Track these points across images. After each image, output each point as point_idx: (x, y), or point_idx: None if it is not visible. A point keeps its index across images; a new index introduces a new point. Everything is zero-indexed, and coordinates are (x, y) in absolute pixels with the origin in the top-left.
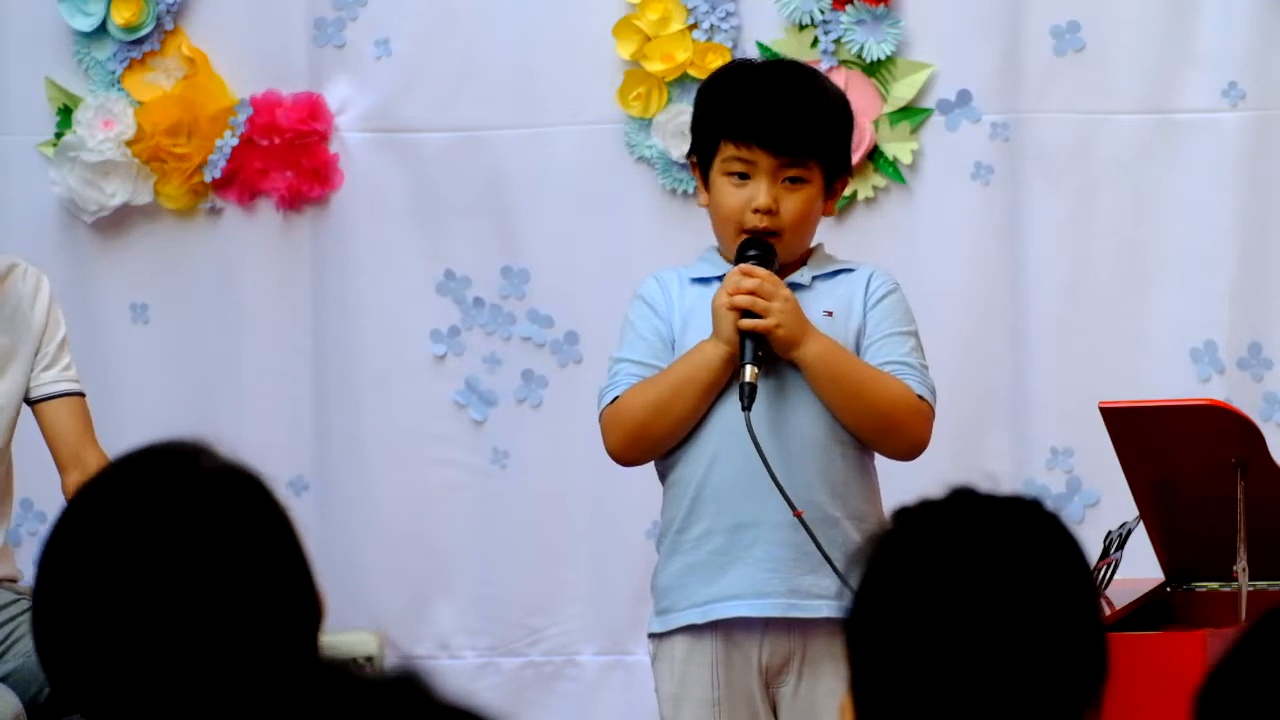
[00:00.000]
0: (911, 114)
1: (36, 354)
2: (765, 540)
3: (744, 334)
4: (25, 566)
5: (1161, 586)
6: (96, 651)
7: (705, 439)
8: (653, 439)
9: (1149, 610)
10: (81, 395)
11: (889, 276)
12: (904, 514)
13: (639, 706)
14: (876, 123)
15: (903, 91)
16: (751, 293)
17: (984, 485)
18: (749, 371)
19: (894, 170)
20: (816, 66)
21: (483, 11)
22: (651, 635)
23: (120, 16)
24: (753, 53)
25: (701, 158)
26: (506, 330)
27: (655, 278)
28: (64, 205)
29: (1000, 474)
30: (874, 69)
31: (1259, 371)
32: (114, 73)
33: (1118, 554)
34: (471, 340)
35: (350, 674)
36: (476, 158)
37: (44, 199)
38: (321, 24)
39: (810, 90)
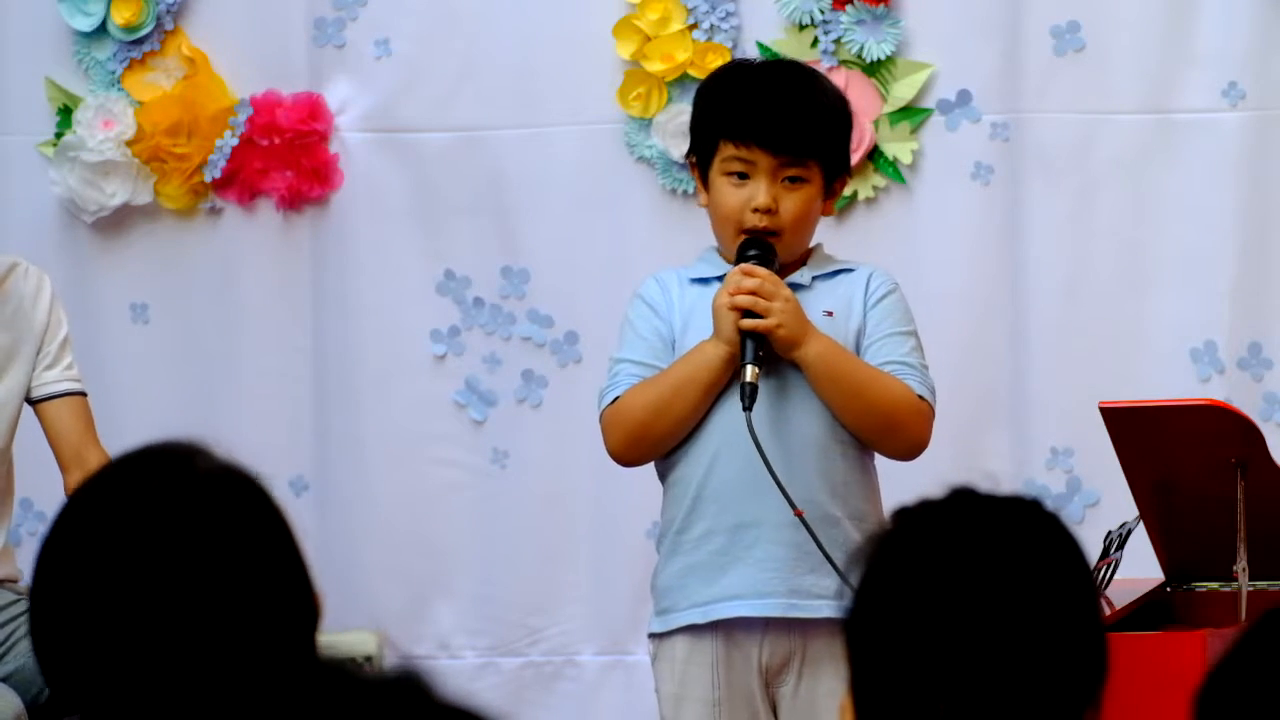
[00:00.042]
0: (911, 114)
1: (38, 354)
2: (766, 540)
3: (745, 334)
4: (26, 567)
5: (1161, 586)
6: (93, 652)
7: (706, 439)
8: (653, 439)
9: (1149, 610)
10: (83, 395)
11: (889, 276)
12: (904, 514)
13: (639, 706)
14: (876, 123)
15: (903, 91)
16: (752, 292)
17: (984, 485)
18: (750, 371)
19: (894, 170)
20: (816, 66)
21: (483, 11)
22: (652, 635)
23: (120, 16)
24: (753, 53)
25: (701, 158)
26: (506, 330)
27: (655, 278)
28: (64, 205)
29: (1000, 474)
30: (874, 69)
31: (1259, 371)
32: (114, 73)
33: (1118, 554)
34: (471, 340)
35: (349, 674)
36: (476, 158)
37: (44, 199)
38: (321, 24)
39: (810, 90)
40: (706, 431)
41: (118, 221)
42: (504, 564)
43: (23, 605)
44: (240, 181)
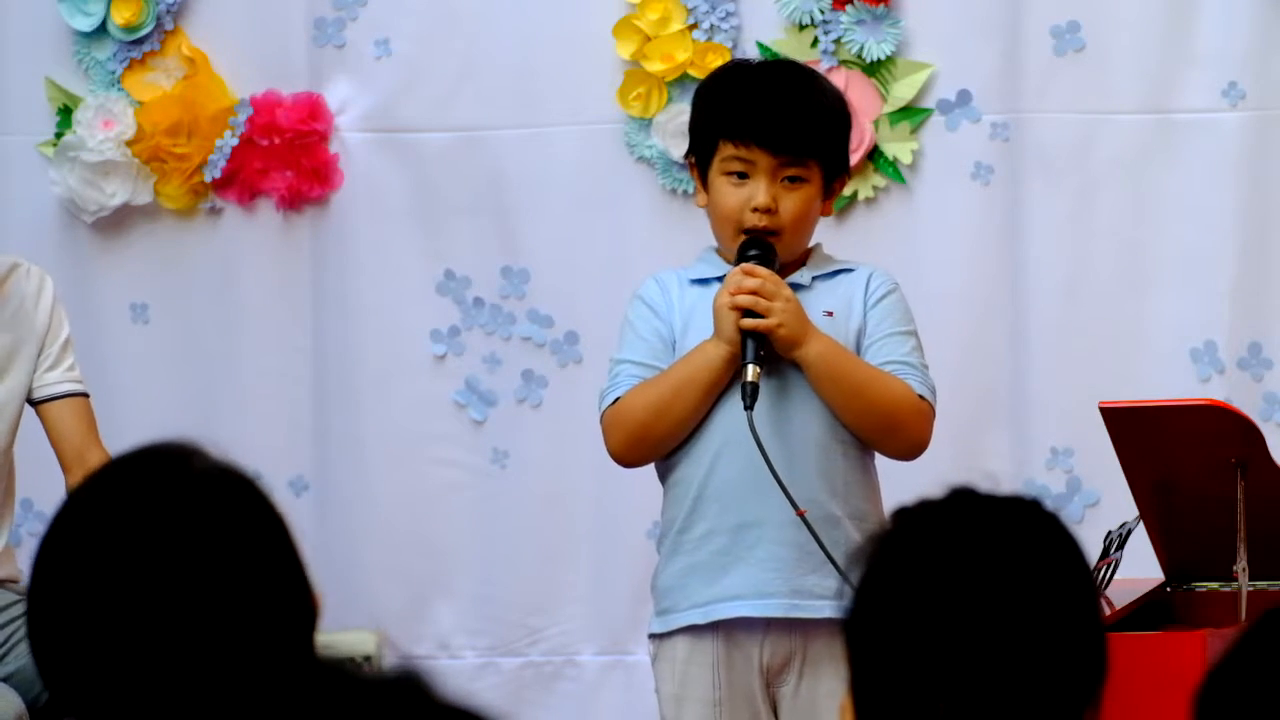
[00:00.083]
0: (911, 114)
1: (40, 354)
2: (768, 540)
3: (746, 334)
4: (27, 567)
5: (1161, 586)
6: (89, 653)
7: (707, 439)
8: (654, 440)
9: (1149, 610)
10: (85, 396)
11: (888, 276)
12: (903, 514)
13: (639, 706)
14: (876, 123)
15: (903, 91)
16: (753, 292)
17: (984, 485)
18: (751, 371)
19: (894, 170)
20: (816, 66)
21: (483, 11)
22: (652, 636)
23: (120, 16)
24: (753, 53)
25: (700, 158)
26: (506, 330)
27: (655, 279)
28: (64, 205)
29: (1000, 474)
30: (874, 69)
31: (1259, 371)
32: (114, 73)
33: (1118, 554)
34: (471, 340)
35: (349, 673)
36: (476, 158)
37: (44, 199)
38: (321, 24)
39: (809, 90)
40: (708, 432)
41: (118, 221)
42: (504, 564)
43: (24, 606)
44: (240, 181)
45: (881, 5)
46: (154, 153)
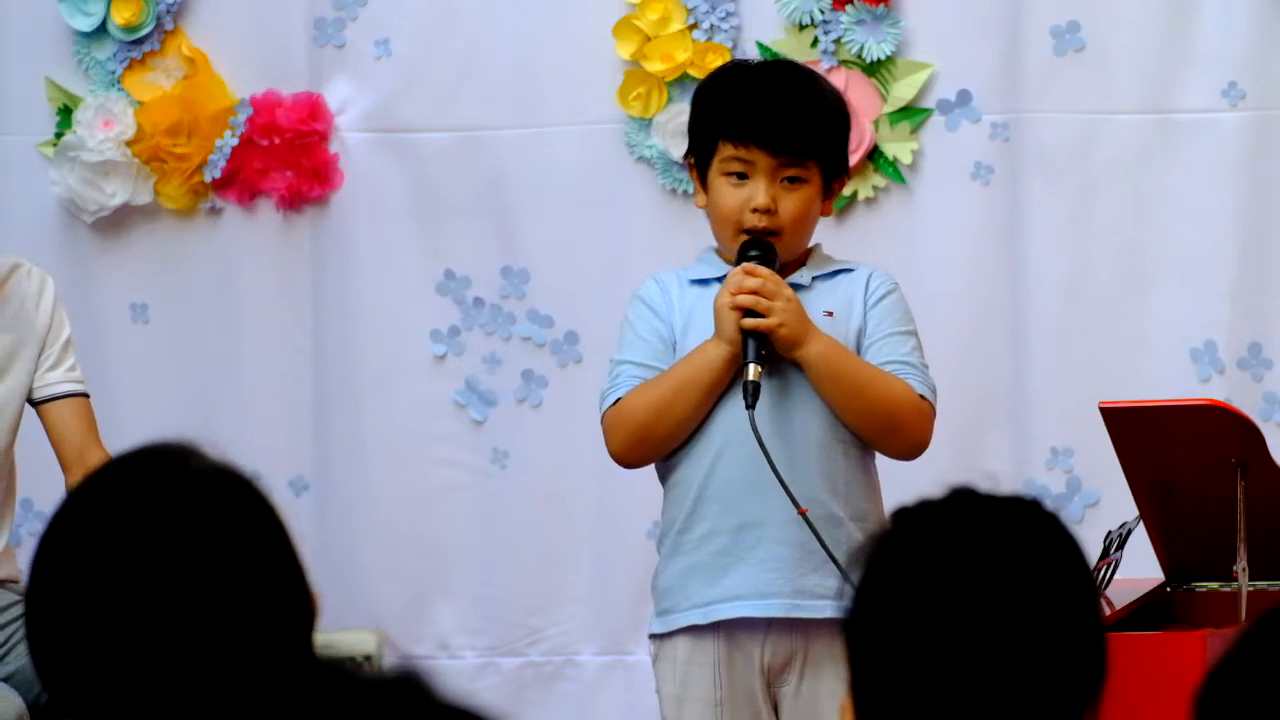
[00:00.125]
0: (911, 114)
1: (40, 354)
2: (769, 540)
3: (747, 333)
4: (27, 567)
5: (1161, 586)
6: (87, 652)
7: (708, 439)
8: (655, 440)
9: (1149, 610)
10: (86, 396)
11: (888, 276)
12: (903, 514)
13: (639, 706)
14: (876, 123)
15: (903, 91)
16: (754, 292)
17: (984, 485)
18: (752, 370)
19: (894, 170)
20: (816, 66)
21: (483, 11)
22: (653, 636)
23: (120, 16)
24: (753, 53)
25: (699, 158)
26: (506, 330)
27: (654, 279)
28: (64, 205)
29: (1000, 474)
30: (874, 69)
31: (1259, 371)
32: (114, 73)
33: (1118, 554)
34: (471, 340)
35: (349, 673)
36: (476, 158)
37: (44, 199)
38: (321, 24)
39: (808, 90)
40: (709, 432)
41: (118, 221)
42: (504, 564)
43: (24, 606)
44: (240, 181)
45: (881, 5)
46: (154, 153)
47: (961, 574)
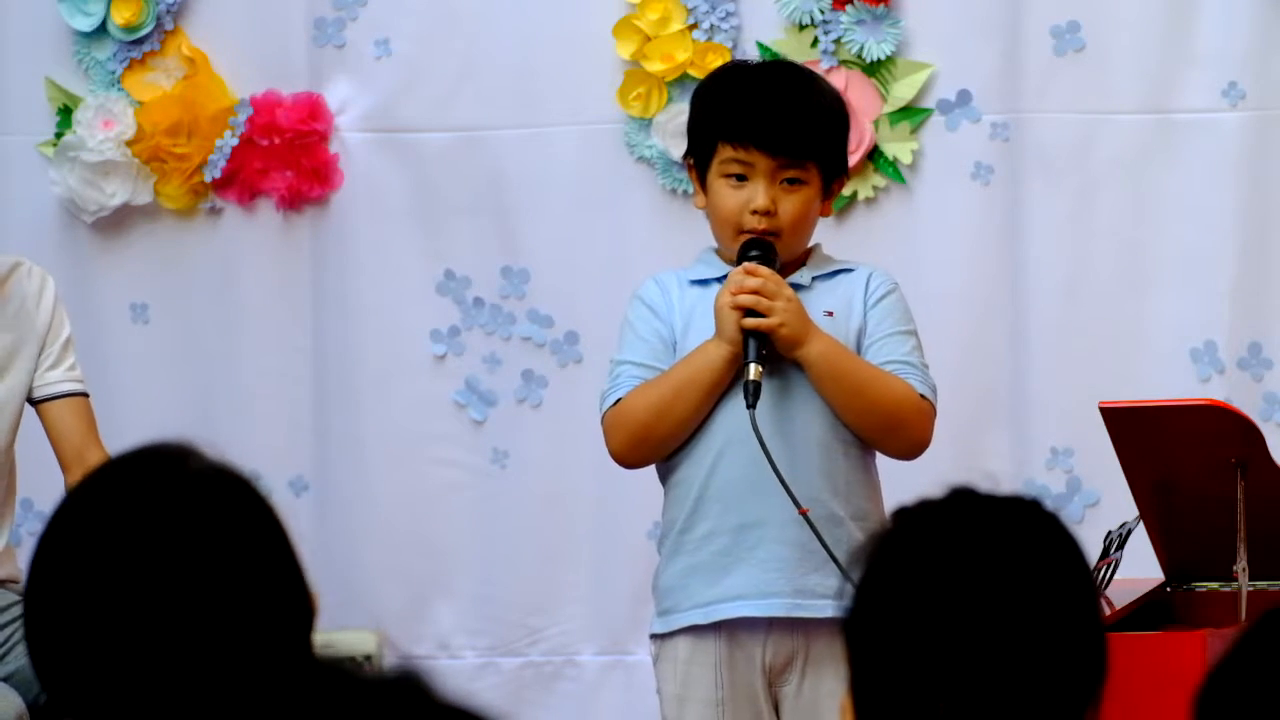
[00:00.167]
0: (911, 114)
1: (40, 353)
2: (770, 540)
3: (747, 333)
4: (27, 567)
5: (1161, 586)
6: (86, 653)
7: (709, 439)
8: (656, 440)
9: (1149, 610)
10: (85, 395)
11: (888, 276)
12: (903, 514)
13: (639, 706)
14: (876, 123)
15: (903, 91)
16: (755, 292)
17: (984, 485)
18: (753, 369)
19: (894, 170)
20: (816, 66)
21: (483, 11)
22: (654, 636)
23: (120, 16)
24: (753, 53)
25: (698, 160)
26: (506, 330)
27: (654, 279)
28: (64, 205)
29: (1000, 474)
30: (874, 69)
31: (1259, 371)
32: (114, 73)
33: (1118, 554)
34: (471, 340)
35: (348, 673)
36: (476, 158)
37: (44, 199)
38: (321, 24)
39: (807, 91)
40: (710, 432)
41: (118, 221)
42: (504, 564)
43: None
44: (240, 181)
45: (881, 5)
46: (154, 153)
47: (961, 574)
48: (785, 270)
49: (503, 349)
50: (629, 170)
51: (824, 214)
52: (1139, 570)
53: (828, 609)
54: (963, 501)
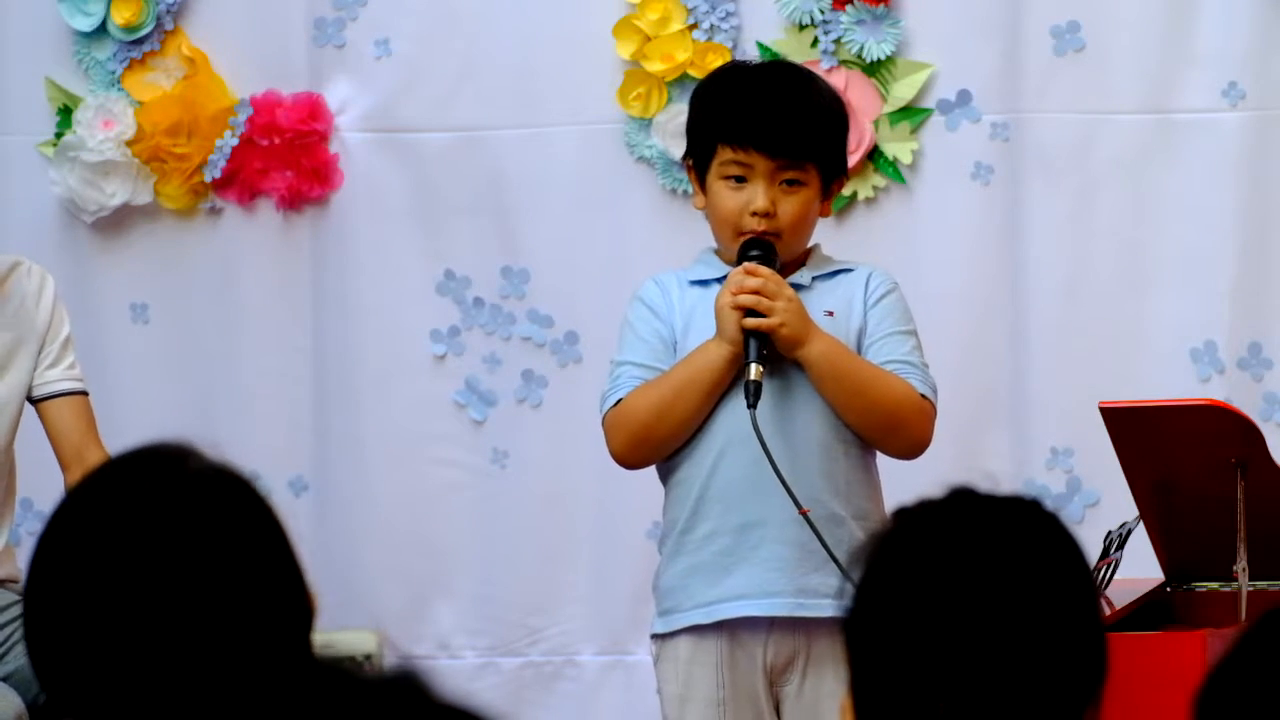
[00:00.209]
0: (911, 114)
1: (40, 352)
2: (772, 540)
3: (748, 333)
4: (27, 567)
5: (1161, 586)
6: (85, 652)
7: (710, 439)
8: (657, 441)
9: (1149, 610)
10: (85, 394)
11: (888, 276)
12: (903, 514)
13: (639, 706)
14: (876, 123)
15: (903, 91)
16: (755, 292)
17: (984, 485)
18: (754, 369)
19: (894, 170)
20: (816, 66)
21: (483, 11)
22: (654, 636)
23: (120, 16)
24: (753, 53)
25: (698, 161)
26: (506, 330)
27: (654, 280)
28: (64, 205)
29: (1000, 474)
30: (874, 69)
31: (1259, 371)
32: (114, 73)
33: (1118, 554)
34: (471, 340)
35: (348, 673)
36: (476, 158)
37: (44, 199)
38: (321, 24)
39: (806, 92)
40: (710, 432)
41: (118, 221)
42: (504, 564)
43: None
44: (240, 181)
45: (881, 5)
46: (154, 153)
47: (961, 574)
48: (785, 270)
49: (503, 349)
50: (629, 170)
51: (824, 214)
52: (1139, 570)
53: (829, 609)
54: (963, 501)
